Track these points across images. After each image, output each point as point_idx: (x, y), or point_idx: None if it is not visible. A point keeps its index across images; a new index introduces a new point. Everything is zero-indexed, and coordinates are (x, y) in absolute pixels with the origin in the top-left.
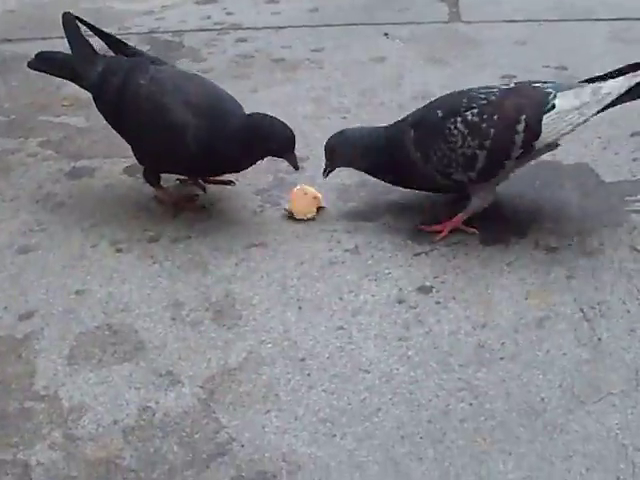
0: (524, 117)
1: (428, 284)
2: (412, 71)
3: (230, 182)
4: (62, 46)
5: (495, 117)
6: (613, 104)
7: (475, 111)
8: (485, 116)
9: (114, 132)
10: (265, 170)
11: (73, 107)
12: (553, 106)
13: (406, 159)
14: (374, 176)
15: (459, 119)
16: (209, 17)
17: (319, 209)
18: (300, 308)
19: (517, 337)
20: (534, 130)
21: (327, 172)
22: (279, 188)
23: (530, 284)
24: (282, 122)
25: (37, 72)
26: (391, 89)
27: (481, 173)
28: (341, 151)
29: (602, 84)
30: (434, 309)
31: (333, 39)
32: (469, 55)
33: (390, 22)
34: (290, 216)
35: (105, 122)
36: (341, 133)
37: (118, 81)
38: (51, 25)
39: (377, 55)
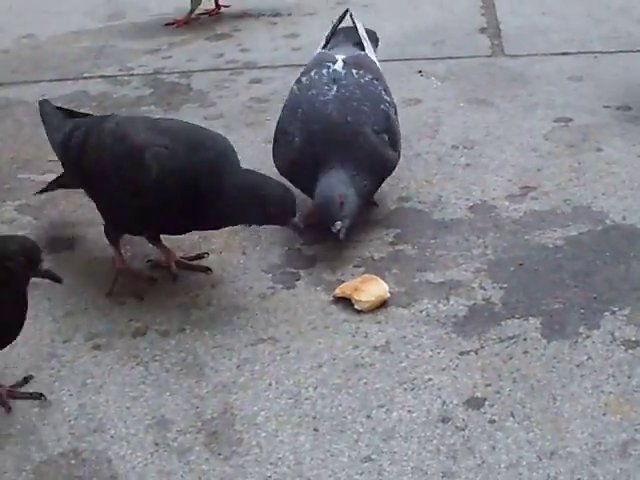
0: None
1: (479, 395)
2: (451, 115)
3: (207, 269)
4: (57, 90)
5: None
6: None
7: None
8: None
9: None
10: (278, 240)
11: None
12: None
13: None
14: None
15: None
16: (221, 55)
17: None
18: (316, 430)
19: (595, 470)
20: None
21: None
22: (294, 263)
23: (608, 393)
24: (283, 185)
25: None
26: (428, 137)
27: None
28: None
29: None
30: (488, 431)
31: None
32: (517, 94)
33: (425, 57)
34: (337, 298)
35: None
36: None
37: (81, 134)
38: (46, 67)
39: (411, 96)
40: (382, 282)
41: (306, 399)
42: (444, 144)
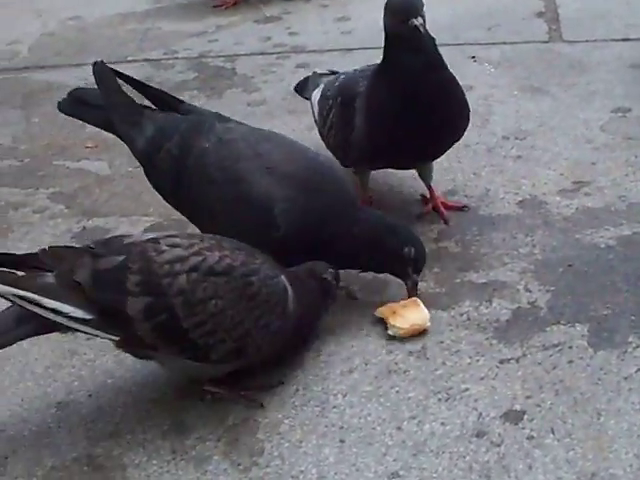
0: None
1: (518, 408)
2: (504, 103)
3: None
4: None
5: None
6: None
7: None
8: None
9: (139, 182)
10: None
11: (97, 149)
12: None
13: None
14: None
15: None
16: (269, 38)
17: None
18: (342, 442)
19: None
20: None
21: None
22: None
23: None
24: (413, 233)
25: None
26: (478, 127)
27: None
28: None
29: None
30: (525, 448)
31: None
32: (574, 83)
33: (478, 42)
34: (380, 319)
35: (129, 169)
36: None
37: (174, 147)
38: (90, 50)
39: (462, 83)
40: (424, 309)
41: (334, 407)
42: (495, 134)
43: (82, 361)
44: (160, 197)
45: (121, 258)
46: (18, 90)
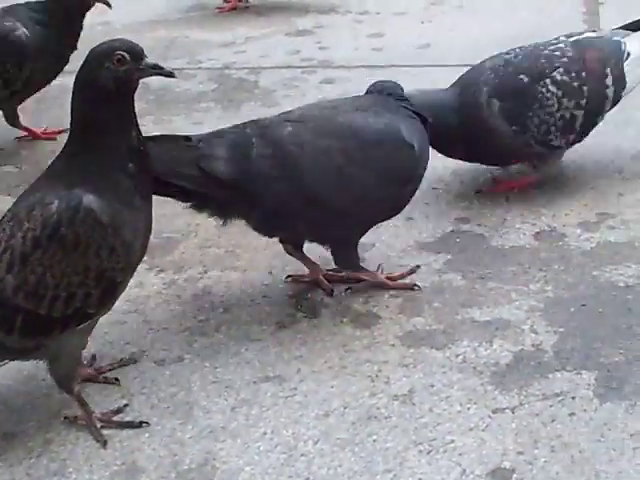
0: (609, 69)
1: (507, 465)
2: None
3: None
4: None
5: (583, 74)
6: None
7: (561, 70)
8: (573, 74)
9: None
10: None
11: None
12: (628, 54)
13: (487, 132)
14: (438, 149)
15: (548, 81)
16: (297, 52)
17: None
18: None
19: None
20: (621, 80)
21: None
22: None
23: None
24: None
25: None
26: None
27: (580, 134)
28: None
29: None
30: None
31: (441, 83)
32: None
33: None
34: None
35: None
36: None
37: (262, 148)
38: None
39: None
40: None
41: (302, 455)
42: None
43: (40, 389)
44: (155, 214)
45: None
46: None
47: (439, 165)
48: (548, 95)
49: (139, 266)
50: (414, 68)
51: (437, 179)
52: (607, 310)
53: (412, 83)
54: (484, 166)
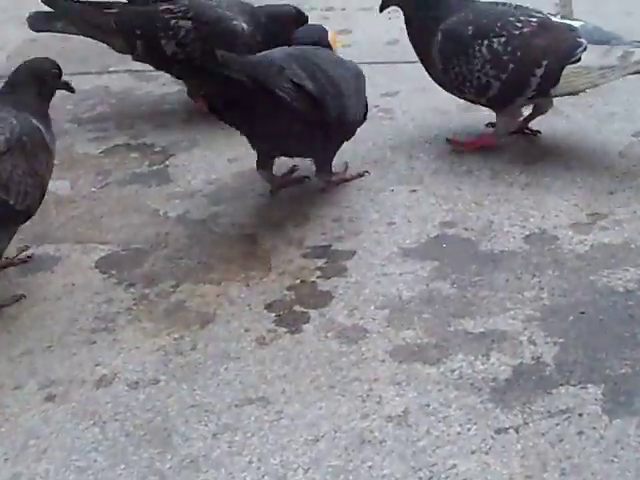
0: (546, 63)
1: None
2: None
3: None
4: (77, 85)
5: (518, 53)
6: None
7: (502, 40)
8: (509, 48)
9: (102, 204)
10: (289, 270)
11: (61, 166)
12: (579, 59)
13: (430, 58)
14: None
15: (485, 42)
16: None
17: None
18: None
19: None
20: (552, 78)
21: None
22: (305, 300)
23: None
24: None
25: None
26: (483, 150)
27: (491, 101)
28: None
29: (636, 50)
30: None
31: (411, 80)
32: (591, 103)
33: None
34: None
35: (93, 190)
36: None
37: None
38: (72, 59)
39: (468, 104)
40: None
41: None
42: (501, 158)
43: (4, 416)
44: (123, 222)
45: None
46: None
47: (418, 166)
48: (477, 54)
49: (105, 282)
50: (384, 65)
51: (416, 181)
52: (608, 318)
53: (383, 80)
54: (464, 167)
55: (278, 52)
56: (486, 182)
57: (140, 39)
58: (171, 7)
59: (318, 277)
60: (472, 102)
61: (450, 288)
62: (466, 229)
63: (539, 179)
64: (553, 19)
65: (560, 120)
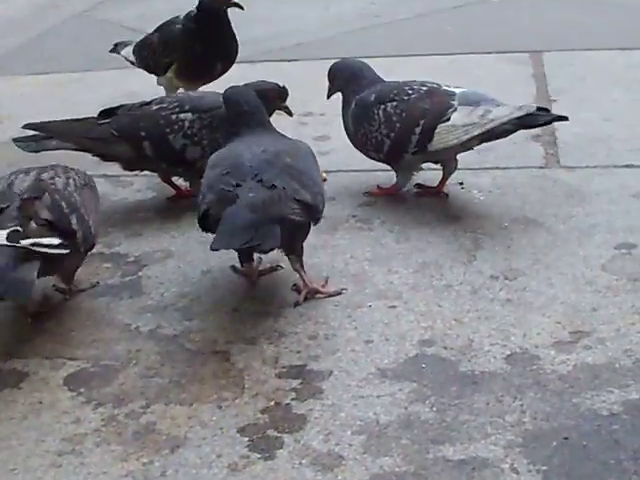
0: (422, 122)
1: None
2: (493, 237)
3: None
4: None
5: (404, 115)
6: (497, 131)
7: (394, 104)
8: (398, 111)
9: (73, 314)
10: (263, 391)
11: None
12: (448, 119)
13: (348, 124)
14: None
15: (382, 107)
16: None
17: None
18: None
19: None
20: (427, 135)
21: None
22: (279, 424)
23: None
24: None
25: None
26: (463, 264)
27: (387, 157)
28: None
29: (493, 109)
30: None
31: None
32: (572, 214)
33: (468, 167)
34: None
35: (63, 300)
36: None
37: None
38: (45, 162)
39: (448, 213)
40: None
41: None
42: (482, 273)
43: None
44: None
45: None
46: None
47: (397, 280)
48: (376, 117)
49: (74, 401)
50: (361, 173)
51: (395, 295)
52: (592, 443)
53: (361, 189)
54: (443, 281)
55: (248, 155)
56: (466, 298)
57: (147, 140)
58: (164, 105)
59: (293, 399)
60: (375, 160)
61: (429, 412)
62: (445, 348)
63: (520, 295)
64: (443, 88)
65: (541, 232)
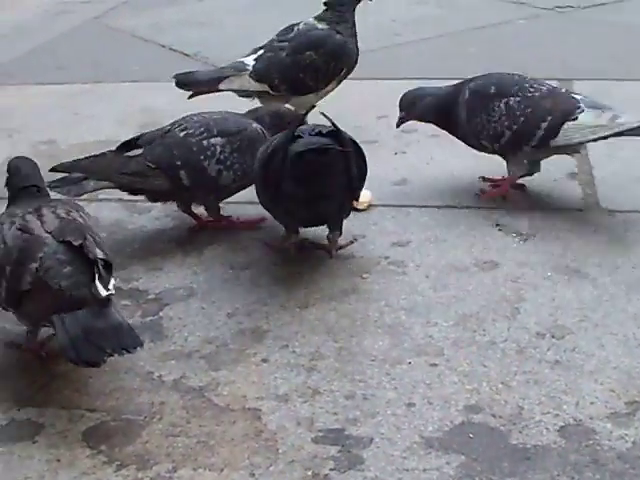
0: (550, 119)
1: None
2: (537, 288)
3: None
4: None
5: (529, 110)
6: (624, 133)
7: (518, 99)
8: (522, 106)
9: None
10: (299, 458)
11: None
12: (576, 118)
13: (457, 114)
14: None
15: (504, 100)
16: None
17: None
18: None
19: None
20: (553, 131)
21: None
22: None
23: None
24: None
25: None
26: (506, 318)
27: (503, 147)
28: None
29: (621, 115)
30: None
31: (423, 228)
32: (618, 265)
33: (504, 207)
34: None
35: None
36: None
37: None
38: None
39: (485, 258)
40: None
41: None
42: (527, 329)
43: None
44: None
45: None
46: None
47: (436, 334)
48: (497, 109)
49: (94, 460)
50: (393, 208)
51: (436, 352)
52: None
53: (392, 227)
54: (486, 337)
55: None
56: (512, 357)
57: (183, 169)
58: (190, 131)
59: (331, 469)
60: (482, 150)
61: None
62: (494, 416)
63: (570, 356)
64: (562, 89)
65: (586, 285)
